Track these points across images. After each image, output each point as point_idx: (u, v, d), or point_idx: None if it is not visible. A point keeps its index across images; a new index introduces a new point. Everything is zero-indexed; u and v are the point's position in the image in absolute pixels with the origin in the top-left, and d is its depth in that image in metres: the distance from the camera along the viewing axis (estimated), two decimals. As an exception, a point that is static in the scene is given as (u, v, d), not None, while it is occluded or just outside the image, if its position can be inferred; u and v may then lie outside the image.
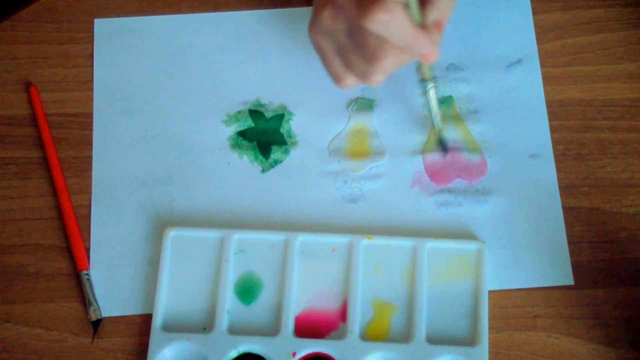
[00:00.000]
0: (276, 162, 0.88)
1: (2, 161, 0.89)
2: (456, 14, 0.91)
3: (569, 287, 0.83)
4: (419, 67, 0.83)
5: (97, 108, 0.90)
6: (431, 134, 0.88)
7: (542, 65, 0.90)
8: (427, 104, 0.85)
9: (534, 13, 0.92)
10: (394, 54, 0.78)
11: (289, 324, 0.82)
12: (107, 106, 0.90)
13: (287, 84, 0.91)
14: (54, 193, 0.87)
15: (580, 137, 0.88)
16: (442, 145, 0.87)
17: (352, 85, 0.82)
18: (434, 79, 0.84)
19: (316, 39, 0.81)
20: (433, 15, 0.78)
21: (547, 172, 0.87)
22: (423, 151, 0.88)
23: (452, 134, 0.88)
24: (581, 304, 0.83)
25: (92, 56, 0.92)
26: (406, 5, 0.76)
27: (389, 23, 0.75)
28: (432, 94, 0.85)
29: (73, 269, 0.85)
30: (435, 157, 0.88)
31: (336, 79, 0.82)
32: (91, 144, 0.89)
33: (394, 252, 0.84)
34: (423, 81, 0.84)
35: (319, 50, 0.82)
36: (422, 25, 0.78)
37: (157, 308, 0.82)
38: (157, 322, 0.82)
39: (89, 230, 0.86)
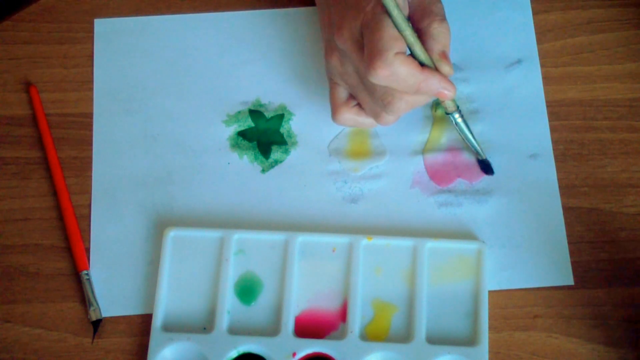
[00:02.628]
0: (276, 162, 0.88)
1: (2, 161, 0.89)
2: (456, 14, 0.91)
3: (569, 287, 0.83)
4: (440, 101, 0.83)
5: (97, 108, 0.90)
6: (431, 134, 0.88)
7: (542, 65, 0.90)
8: (462, 135, 0.85)
9: (534, 13, 0.92)
10: (403, 98, 0.79)
11: (289, 324, 0.82)
12: (107, 106, 0.90)
13: (287, 84, 0.91)
14: (54, 193, 0.87)
15: (580, 137, 0.88)
16: (485, 168, 0.86)
17: (347, 121, 0.84)
18: (459, 109, 0.84)
19: (329, 77, 0.84)
20: (437, 48, 0.79)
21: (547, 172, 0.87)
22: (423, 151, 0.88)
23: (452, 133, 0.88)
24: (581, 304, 0.83)
25: (92, 56, 0.92)
26: (407, 51, 0.77)
27: (393, 76, 0.76)
28: (462, 124, 0.84)
29: (73, 269, 0.85)
30: (435, 157, 0.88)
31: (332, 111, 0.84)
32: (91, 144, 0.89)
33: (394, 252, 0.84)
34: (448, 114, 0.84)
35: (329, 82, 0.84)
36: (429, 65, 0.78)
37: (157, 308, 0.82)
38: (157, 322, 0.82)
39: (89, 230, 0.86)
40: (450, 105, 0.83)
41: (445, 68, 0.79)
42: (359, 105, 0.83)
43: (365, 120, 0.84)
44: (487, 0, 0.93)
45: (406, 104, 0.80)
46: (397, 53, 0.76)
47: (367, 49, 0.77)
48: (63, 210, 0.86)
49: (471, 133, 0.85)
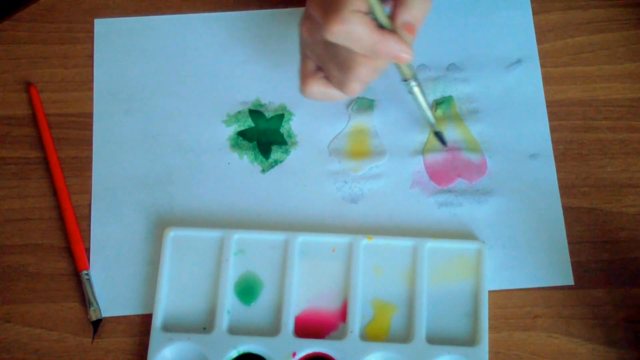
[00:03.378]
0: (276, 162, 0.88)
1: (2, 161, 0.89)
2: (456, 14, 0.91)
3: (569, 287, 0.83)
4: (397, 67, 0.82)
5: (97, 108, 0.90)
6: (431, 134, 0.88)
7: (542, 65, 0.90)
8: (416, 103, 0.84)
9: (534, 13, 0.92)
10: (365, 61, 0.78)
11: (289, 324, 0.82)
12: (107, 106, 0.90)
13: (287, 84, 0.91)
14: (54, 193, 0.87)
15: (580, 137, 0.88)
16: (440, 139, 0.87)
17: (315, 93, 0.83)
18: (415, 77, 0.83)
19: (301, 49, 0.83)
20: (404, 17, 0.77)
21: (547, 172, 0.87)
22: (423, 151, 0.88)
23: (452, 133, 0.88)
24: (581, 304, 0.83)
25: (92, 56, 0.92)
26: (368, 12, 0.76)
27: (348, 33, 0.75)
28: (418, 92, 0.83)
29: (73, 269, 0.85)
30: (435, 157, 0.88)
31: (300, 83, 0.83)
32: (91, 144, 0.89)
33: (394, 252, 0.84)
34: (405, 81, 0.83)
35: (300, 56, 0.83)
36: (390, 29, 0.77)
37: (157, 308, 0.82)
38: (157, 322, 0.82)
39: (89, 230, 0.86)
40: (406, 72, 0.82)
41: (406, 37, 0.77)
42: (326, 78, 0.83)
43: (334, 93, 0.83)
44: (487, 0, 0.93)
45: (368, 70, 0.79)
46: (354, 10, 0.75)
47: (326, 6, 0.76)
48: (63, 210, 0.86)
49: (427, 103, 0.84)
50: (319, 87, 0.83)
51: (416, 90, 0.83)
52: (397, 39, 0.77)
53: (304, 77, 0.83)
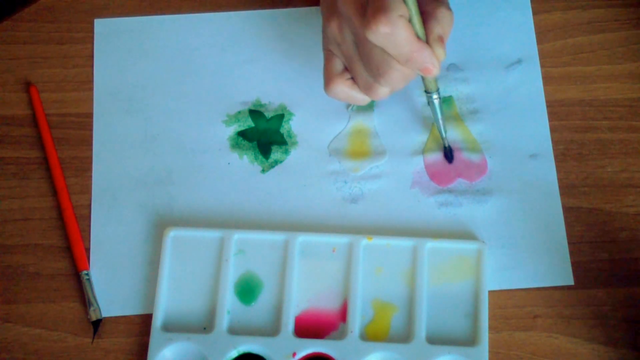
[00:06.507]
0: (276, 162, 0.88)
1: (2, 161, 0.89)
2: (456, 14, 0.91)
3: (569, 287, 0.83)
4: (423, 79, 0.83)
5: (97, 108, 0.90)
6: (431, 134, 0.88)
7: (542, 65, 0.90)
8: (433, 114, 0.85)
9: (534, 13, 0.92)
10: (398, 67, 0.79)
11: (289, 324, 0.82)
12: (107, 106, 0.90)
13: (287, 84, 0.91)
14: (54, 193, 0.87)
15: (580, 137, 0.88)
16: (448, 154, 0.87)
17: (339, 94, 0.83)
18: (438, 90, 0.84)
19: (326, 47, 0.83)
20: (437, 30, 0.79)
21: (547, 172, 0.87)
22: (423, 151, 0.88)
23: (452, 133, 0.88)
24: (581, 304, 0.83)
25: (92, 56, 0.92)
26: (409, 19, 0.77)
27: (391, 35, 0.76)
28: (437, 105, 0.84)
29: (73, 269, 0.85)
30: (435, 157, 0.88)
31: (325, 82, 0.83)
32: (91, 144, 0.89)
33: (394, 252, 0.84)
34: (427, 93, 0.84)
35: (325, 53, 0.83)
36: (423, 40, 0.78)
37: (157, 308, 0.82)
38: (157, 322, 0.82)
39: (89, 230, 0.86)
40: (432, 85, 0.83)
41: (439, 50, 0.79)
42: (353, 79, 0.83)
43: (358, 95, 0.83)
44: (487, 0, 0.93)
45: (400, 75, 0.79)
46: (401, 15, 0.76)
47: (371, 6, 0.76)
48: (63, 210, 0.86)
49: (443, 117, 0.85)
50: (344, 88, 0.83)
51: (436, 103, 0.84)
52: (430, 52, 0.78)
53: (330, 77, 0.82)
